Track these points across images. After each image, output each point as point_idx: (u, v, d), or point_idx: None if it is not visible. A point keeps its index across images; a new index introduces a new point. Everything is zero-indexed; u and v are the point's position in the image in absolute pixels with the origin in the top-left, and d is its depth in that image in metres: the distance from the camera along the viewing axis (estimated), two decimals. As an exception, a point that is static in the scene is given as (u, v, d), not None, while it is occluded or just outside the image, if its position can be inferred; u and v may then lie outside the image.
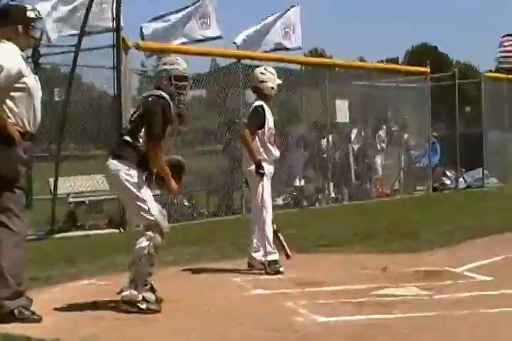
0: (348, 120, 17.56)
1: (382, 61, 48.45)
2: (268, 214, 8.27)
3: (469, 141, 20.24)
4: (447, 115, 20.69)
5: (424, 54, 50.08)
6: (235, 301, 6.82)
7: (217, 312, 6.41)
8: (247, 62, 15.30)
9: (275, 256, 8.23)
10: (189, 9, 16.92)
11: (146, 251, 6.28)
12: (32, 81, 6.08)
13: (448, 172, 20.59)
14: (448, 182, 20.49)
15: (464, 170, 20.75)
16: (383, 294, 6.95)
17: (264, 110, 8.39)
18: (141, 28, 16.26)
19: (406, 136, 19.64)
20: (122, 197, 6.78)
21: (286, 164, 15.64)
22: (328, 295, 6.96)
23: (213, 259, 9.19)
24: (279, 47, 18.28)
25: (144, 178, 6.41)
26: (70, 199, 13.68)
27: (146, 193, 6.36)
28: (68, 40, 13.83)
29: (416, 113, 19.73)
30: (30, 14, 6.19)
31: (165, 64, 6.73)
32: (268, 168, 8.33)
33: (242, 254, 8.74)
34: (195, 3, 17.00)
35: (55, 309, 6.45)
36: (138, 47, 13.66)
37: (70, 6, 13.88)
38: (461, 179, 20.55)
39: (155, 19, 16.79)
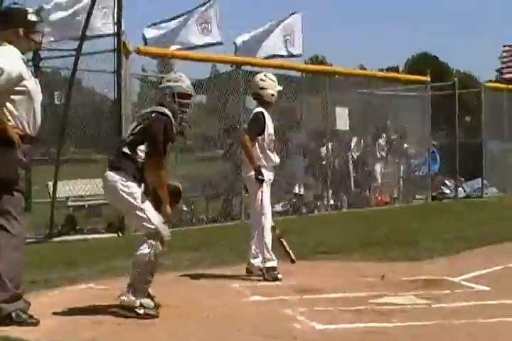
0: (348, 128, 17.57)
1: (382, 70, 48.53)
2: (267, 221, 8.27)
3: (469, 151, 20.24)
4: (447, 124, 20.71)
5: (424, 63, 50.21)
6: (233, 307, 6.81)
7: (215, 318, 6.39)
8: (248, 68, 15.33)
9: (273, 263, 8.21)
10: (190, 15, 16.92)
11: (146, 259, 6.27)
12: (32, 84, 6.08)
13: (447, 182, 20.59)
14: (447, 191, 20.50)
15: (463, 179, 20.75)
16: (382, 302, 6.93)
17: (264, 116, 8.39)
18: (143, 34, 16.28)
19: (406, 144, 19.65)
20: (121, 208, 6.75)
21: (286, 171, 15.64)
22: (327, 302, 6.95)
23: (212, 265, 9.18)
24: (279, 54, 18.28)
25: (142, 189, 6.38)
26: (70, 203, 13.69)
27: (145, 202, 6.34)
28: (70, 44, 13.85)
29: (416, 122, 19.75)
30: (32, 17, 6.19)
31: (169, 81, 6.70)
32: (267, 175, 8.33)
33: (241, 260, 8.72)
34: (196, 8, 17.01)
35: (53, 312, 6.43)
36: (139, 51, 13.66)
37: (70, 11, 13.88)
38: (460, 188, 20.55)
39: (155, 24, 16.80)
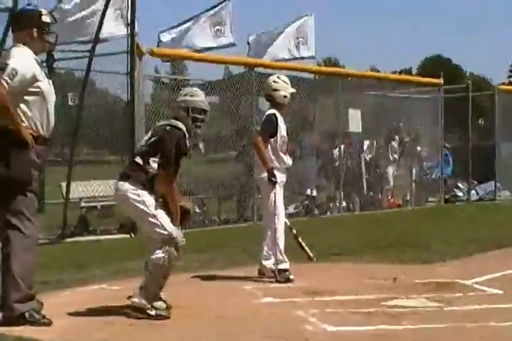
0: (360, 130, 17.55)
1: (395, 72, 48.45)
2: (280, 222, 8.27)
3: (482, 153, 20.18)
4: (460, 127, 20.66)
5: (437, 65, 50.07)
6: (245, 309, 6.81)
7: (227, 319, 6.40)
8: (261, 70, 15.35)
9: (286, 265, 8.22)
10: (203, 16, 16.95)
11: (160, 263, 6.28)
12: (46, 85, 6.10)
13: (460, 184, 20.55)
14: (460, 194, 20.45)
15: (476, 182, 20.68)
16: (393, 305, 6.92)
17: (276, 118, 8.39)
18: (159, 38, 16.30)
19: (418, 147, 19.62)
20: (134, 216, 6.79)
21: (299, 172, 15.64)
22: (338, 304, 6.95)
23: (224, 266, 9.19)
24: (292, 56, 18.29)
25: (153, 197, 6.41)
26: (82, 204, 13.73)
27: (158, 209, 6.35)
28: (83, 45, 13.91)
29: (429, 124, 19.71)
30: (46, 19, 6.22)
31: (185, 95, 6.73)
32: (280, 177, 8.33)
33: (253, 261, 8.72)
34: (209, 10, 17.03)
35: (66, 313, 6.45)
36: (152, 53, 13.69)
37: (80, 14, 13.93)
38: (473, 191, 20.49)
39: (170, 29, 16.82)
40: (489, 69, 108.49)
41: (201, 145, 6.34)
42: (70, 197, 13.00)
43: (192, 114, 6.59)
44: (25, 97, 5.97)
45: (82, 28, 13.64)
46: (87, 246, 11.55)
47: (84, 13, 13.77)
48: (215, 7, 17.08)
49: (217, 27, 16.94)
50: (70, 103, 13.97)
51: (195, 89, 6.93)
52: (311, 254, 8.62)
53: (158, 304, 6.36)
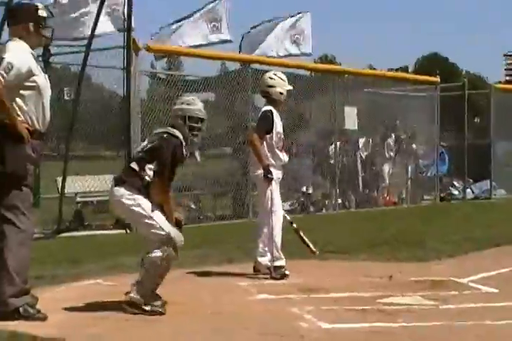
0: (356, 127, 17.55)
1: (392, 69, 48.44)
2: (278, 220, 8.26)
3: (477, 152, 20.20)
4: (456, 125, 20.66)
5: (434, 63, 50.14)
6: (240, 305, 6.81)
7: (222, 315, 6.39)
8: (257, 66, 15.31)
9: (282, 262, 8.21)
10: (200, 12, 16.90)
11: (158, 262, 6.29)
12: (42, 79, 6.09)
13: (456, 183, 20.57)
14: (456, 192, 20.47)
15: (471, 180, 20.70)
16: (388, 302, 6.92)
17: (272, 115, 8.37)
18: (154, 33, 16.25)
19: (414, 145, 19.62)
20: (131, 220, 6.81)
21: (294, 169, 15.62)
22: (334, 301, 6.94)
23: (219, 263, 9.18)
24: (288, 53, 18.26)
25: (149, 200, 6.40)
26: (78, 199, 13.71)
27: (154, 211, 6.35)
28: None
29: (425, 122, 19.72)
30: (42, 13, 6.20)
31: (182, 103, 6.73)
32: (276, 173, 8.32)
33: (248, 258, 8.71)
34: (206, 6, 16.98)
35: (60, 308, 6.43)
36: (148, 48, 13.67)
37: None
38: (468, 190, 20.51)
39: (168, 25, 16.77)
40: (485, 67, 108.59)
41: (197, 154, 6.37)
42: (66, 191, 12.97)
43: (189, 122, 6.60)
44: (21, 92, 5.96)
45: (78, 25, 13.64)
46: (83, 241, 11.54)
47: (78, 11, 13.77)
48: (211, 3, 17.03)
49: (213, 23, 16.90)
50: (65, 98, 13.96)
51: (192, 97, 6.94)
52: (313, 248, 8.62)
53: (153, 300, 6.35)
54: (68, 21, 13.46)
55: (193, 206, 14.60)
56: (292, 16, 18.54)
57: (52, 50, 13.49)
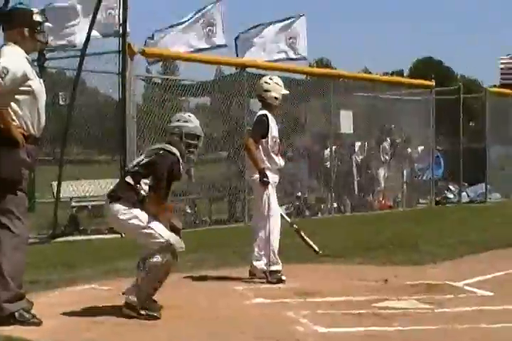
0: (352, 131, 17.55)
1: (387, 73, 48.50)
2: (276, 224, 8.25)
3: (473, 156, 20.22)
4: (451, 129, 20.68)
5: (429, 67, 50.20)
6: (236, 309, 6.80)
7: (218, 319, 6.39)
8: (252, 70, 15.32)
9: (278, 267, 8.20)
10: (195, 17, 16.89)
11: (158, 268, 6.30)
12: (37, 84, 6.08)
13: (451, 186, 20.58)
14: (451, 196, 20.48)
15: (466, 184, 20.72)
16: (384, 306, 6.91)
17: (267, 119, 8.37)
18: (151, 39, 16.23)
19: (409, 149, 19.64)
20: (129, 234, 6.76)
21: (290, 174, 15.62)
22: (329, 305, 6.94)
23: (215, 267, 9.17)
24: (283, 57, 18.26)
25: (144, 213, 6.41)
26: (73, 204, 13.68)
27: (151, 221, 6.35)
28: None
29: (420, 126, 19.73)
30: (37, 18, 6.20)
31: (178, 120, 6.74)
32: (272, 177, 8.31)
33: (244, 262, 8.70)
34: (200, 11, 16.97)
35: (55, 313, 6.42)
36: (143, 53, 13.67)
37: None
38: (463, 193, 20.52)
39: (161, 30, 16.76)
40: (480, 71, 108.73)
41: (192, 172, 6.38)
42: (61, 196, 12.95)
43: (185, 139, 6.62)
44: (16, 96, 5.95)
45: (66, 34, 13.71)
46: (78, 246, 11.52)
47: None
48: (206, 7, 17.02)
49: (209, 27, 16.90)
50: (60, 102, 13.93)
51: (188, 114, 6.93)
52: (316, 248, 8.62)
53: (149, 304, 6.35)
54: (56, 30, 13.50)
55: (188, 210, 14.59)
56: (287, 19, 18.54)
57: (47, 54, 13.52)
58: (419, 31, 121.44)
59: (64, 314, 6.43)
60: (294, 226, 8.61)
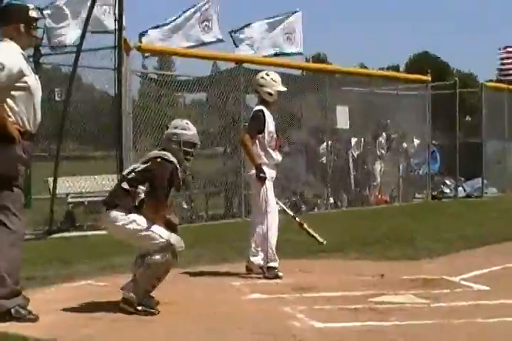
0: (348, 126, 17.55)
1: (383, 68, 48.47)
2: (274, 220, 8.24)
3: (469, 150, 20.22)
4: (447, 123, 20.68)
5: (425, 62, 50.20)
6: (232, 305, 6.81)
7: (215, 315, 6.40)
8: (249, 66, 15.29)
9: (275, 264, 8.20)
10: (191, 12, 16.85)
11: (158, 266, 6.30)
12: (33, 80, 6.07)
13: (447, 181, 20.59)
14: (447, 190, 20.49)
15: (463, 179, 20.73)
16: (380, 301, 6.93)
17: (264, 114, 8.37)
18: (139, 36, 16.16)
19: (405, 143, 19.65)
20: (129, 239, 6.68)
21: (287, 169, 15.62)
22: (326, 300, 6.95)
23: (212, 262, 9.17)
24: (280, 52, 18.24)
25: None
26: (69, 200, 13.66)
27: (149, 223, 6.34)
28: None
29: (416, 121, 19.73)
30: (32, 13, 6.19)
31: (176, 128, 6.73)
32: (270, 173, 8.31)
33: (241, 258, 8.71)
34: (197, 6, 16.94)
35: (52, 309, 6.42)
36: (139, 48, 13.64)
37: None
38: (460, 188, 20.54)
39: (157, 27, 16.72)
40: (476, 66, 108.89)
41: (189, 180, 6.39)
42: (57, 192, 12.93)
43: (183, 147, 6.63)
44: (12, 92, 5.94)
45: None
46: (74, 242, 11.51)
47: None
48: (202, 2, 16.99)
49: (205, 23, 16.87)
50: (56, 98, 13.91)
51: (185, 121, 6.89)
52: (320, 239, 8.63)
53: (146, 300, 6.36)
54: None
55: (185, 206, 14.58)
56: (283, 15, 18.52)
57: (43, 50, 13.51)
58: (416, 27, 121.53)
59: (60, 310, 6.43)
60: (297, 219, 8.62)
